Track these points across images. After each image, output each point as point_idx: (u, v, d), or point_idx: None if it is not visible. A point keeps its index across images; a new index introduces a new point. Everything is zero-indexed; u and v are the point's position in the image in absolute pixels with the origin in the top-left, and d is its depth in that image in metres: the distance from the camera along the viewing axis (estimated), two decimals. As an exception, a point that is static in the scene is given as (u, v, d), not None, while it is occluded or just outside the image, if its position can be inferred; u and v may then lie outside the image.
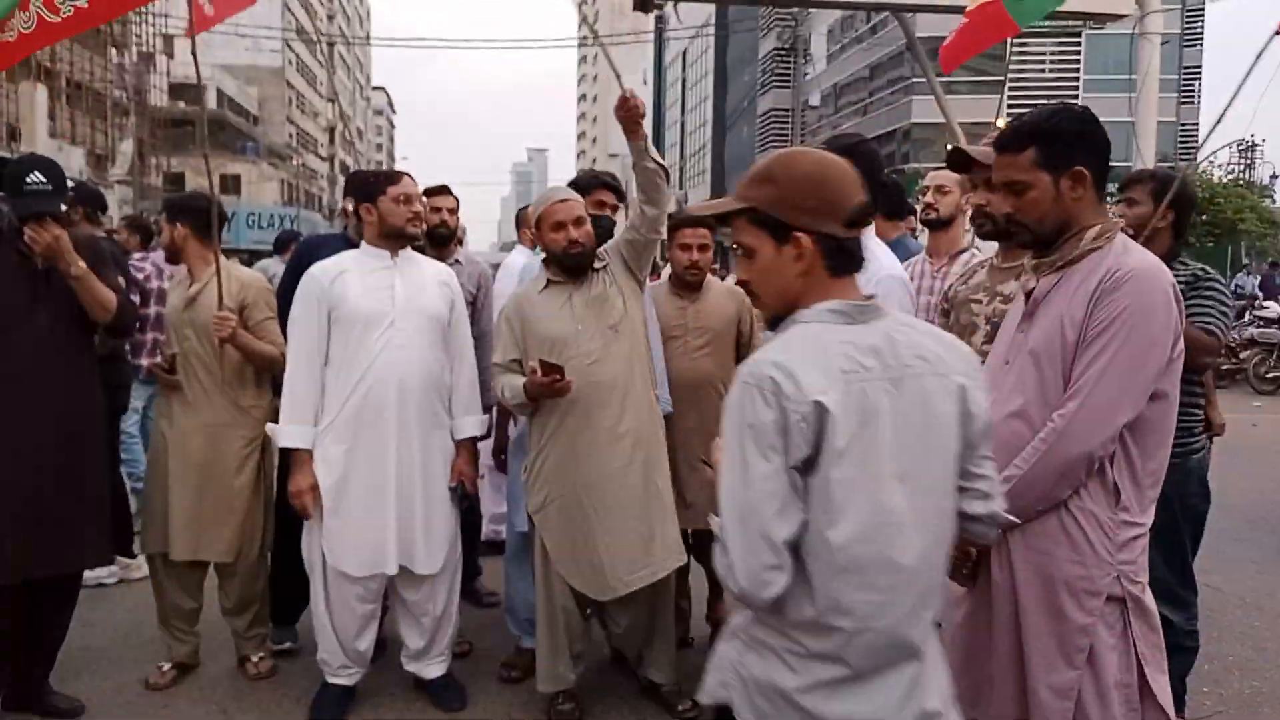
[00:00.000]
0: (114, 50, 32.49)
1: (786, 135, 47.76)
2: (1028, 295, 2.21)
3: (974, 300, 2.70)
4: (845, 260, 1.66)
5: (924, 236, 4.15)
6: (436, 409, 3.46)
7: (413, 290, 3.43)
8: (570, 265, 3.35)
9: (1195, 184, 16.27)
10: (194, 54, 3.92)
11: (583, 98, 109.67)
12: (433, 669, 3.59)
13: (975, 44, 5.29)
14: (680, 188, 69.33)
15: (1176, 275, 3.10)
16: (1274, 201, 36.23)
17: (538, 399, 3.24)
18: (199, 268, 3.78)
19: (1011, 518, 1.97)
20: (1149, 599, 2.10)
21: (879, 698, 1.60)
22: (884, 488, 1.56)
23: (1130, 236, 3.08)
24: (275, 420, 3.46)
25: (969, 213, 4.24)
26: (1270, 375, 13.44)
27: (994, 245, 2.83)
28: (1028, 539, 2.08)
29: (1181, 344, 2.08)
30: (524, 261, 4.71)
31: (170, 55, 38.24)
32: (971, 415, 1.67)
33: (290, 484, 3.36)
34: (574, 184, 3.81)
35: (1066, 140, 2.12)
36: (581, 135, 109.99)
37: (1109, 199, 3.10)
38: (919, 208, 4.00)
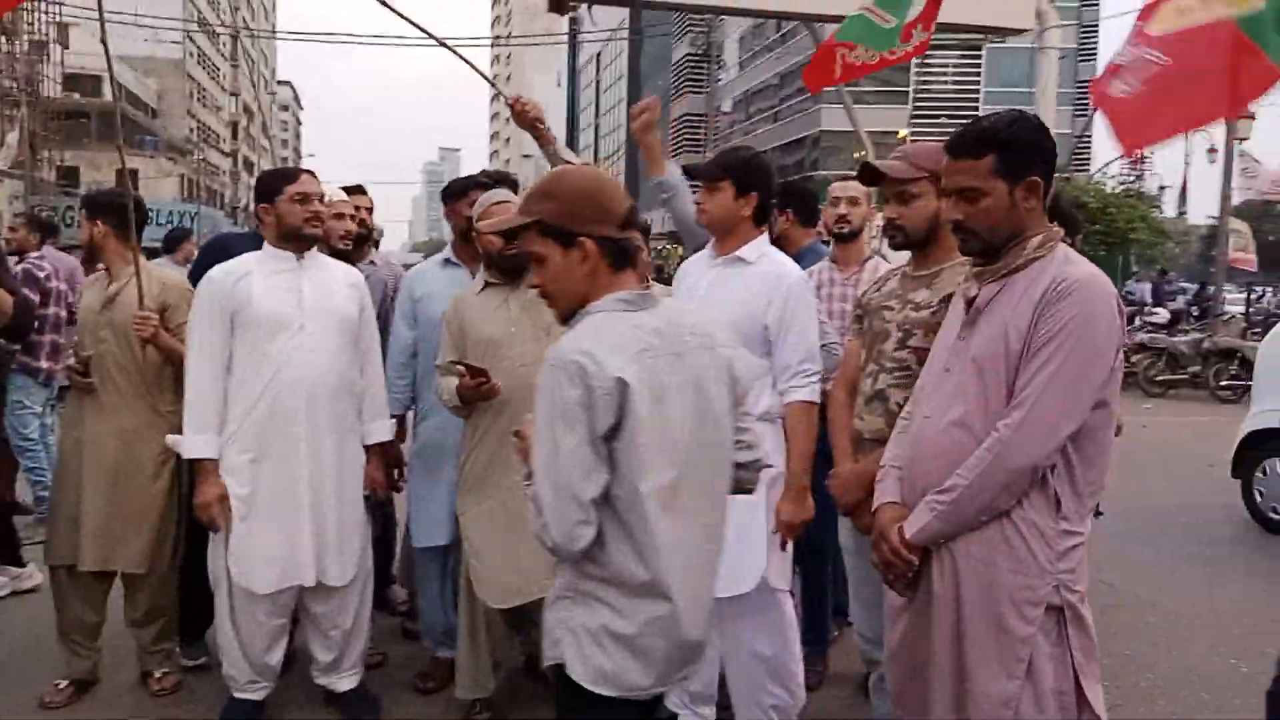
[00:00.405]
0: (3, 38, 31.02)
1: (700, 140, 48.20)
2: (969, 303, 2.20)
3: (886, 307, 2.73)
4: (623, 257, 1.95)
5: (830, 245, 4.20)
6: (348, 415, 3.38)
7: (321, 293, 3.33)
8: (507, 267, 3.34)
9: (1088, 195, 16.94)
10: (104, 42, 3.75)
11: (495, 97, 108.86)
12: (344, 682, 3.50)
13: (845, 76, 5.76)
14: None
15: None
16: (1162, 212, 38.00)
17: (468, 402, 3.23)
18: (118, 267, 3.64)
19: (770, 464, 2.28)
20: (1085, 607, 2.11)
21: (688, 623, 1.90)
22: (677, 444, 1.88)
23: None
24: None
25: (874, 222, 4.35)
26: (1159, 378, 14.05)
27: (904, 255, 2.87)
28: (970, 549, 2.08)
29: (1122, 354, 2.10)
30: None
31: (65, 45, 36.69)
32: (737, 379, 2.02)
33: (196, 496, 3.23)
34: (447, 188, 3.84)
35: (1024, 149, 2.12)
36: (495, 135, 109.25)
37: None
38: (831, 219, 4.05)
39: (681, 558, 1.88)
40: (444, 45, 3.87)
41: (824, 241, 4.37)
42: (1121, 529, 6.37)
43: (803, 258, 3.97)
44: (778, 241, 4.04)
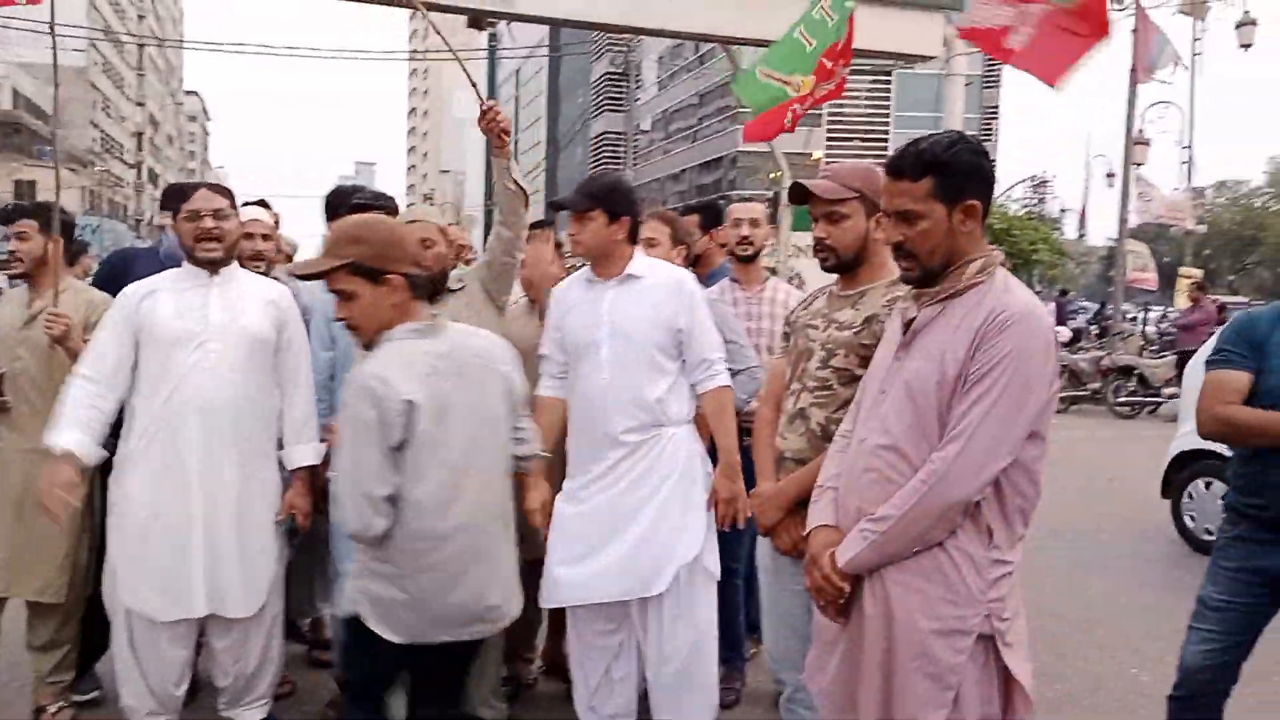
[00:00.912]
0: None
1: (620, 157, 48.44)
2: (907, 325, 2.19)
3: (811, 326, 2.74)
4: (421, 290, 2.41)
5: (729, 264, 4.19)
6: (257, 437, 3.22)
7: (231, 310, 3.21)
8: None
9: (993, 217, 17.48)
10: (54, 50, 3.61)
11: (412, 112, 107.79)
12: (251, 714, 3.35)
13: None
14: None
15: None
16: (1063, 233, 39.45)
17: None
18: (48, 284, 3.45)
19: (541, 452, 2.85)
20: (1013, 631, 2.11)
21: (465, 593, 2.43)
22: (455, 455, 2.36)
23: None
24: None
25: (774, 243, 4.42)
26: (1061, 395, 14.54)
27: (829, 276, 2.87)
28: (903, 577, 2.07)
29: (1057, 385, 2.10)
30: None
31: (-44, 49, 35.18)
32: (513, 391, 2.58)
33: (44, 477, 3.00)
34: (329, 204, 3.81)
35: (963, 172, 2.09)
36: (411, 149, 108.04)
37: None
38: (733, 240, 4.03)
39: (463, 539, 2.41)
40: (455, 54, 3.71)
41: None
42: (1029, 542, 6.49)
43: (711, 277, 4.02)
44: (698, 260, 4.09)
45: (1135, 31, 17.35)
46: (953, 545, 2.05)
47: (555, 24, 17.28)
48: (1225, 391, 2.81)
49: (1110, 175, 22.40)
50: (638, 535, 3.04)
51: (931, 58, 15.08)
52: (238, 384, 3.16)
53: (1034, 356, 2.01)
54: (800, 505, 2.49)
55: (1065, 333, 17.38)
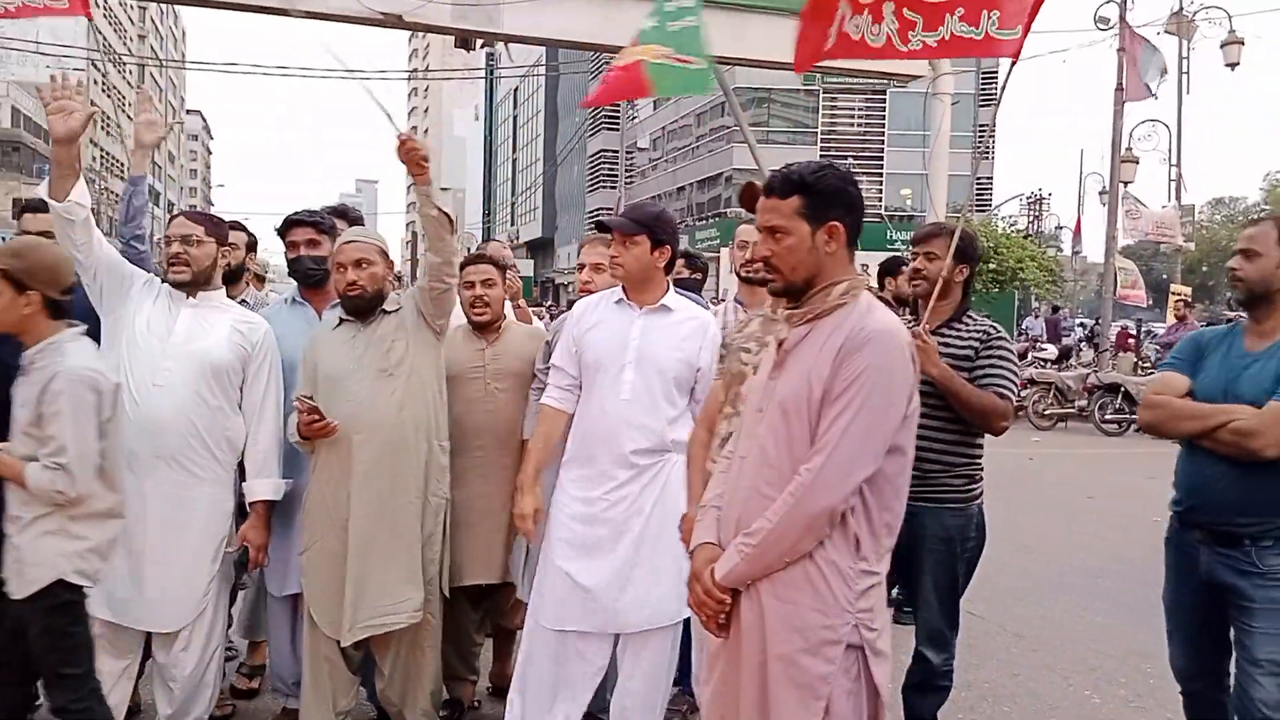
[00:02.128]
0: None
1: (615, 175, 48.62)
2: (779, 344, 2.28)
3: (744, 349, 2.81)
4: (58, 311, 2.78)
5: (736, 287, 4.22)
6: (204, 461, 3.24)
7: (194, 333, 3.27)
8: (348, 307, 3.35)
9: (980, 235, 17.55)
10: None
11: (413, 129, 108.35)
12: (190, 734, 3.37)
13: (611, 96, 5.74)
14: (513, 224, 69.22)
15: (967, 330, 3.28)
16: (1061, 250, 39.46)
17: (307, 438, 3.26)
18: None
19: None
20: (881, 640, 2.16)
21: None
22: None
23: (928, 290, 3.28)
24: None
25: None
26: (1048, 412, 14.53)
27: None
28: (776, 589, 2.13)
29: (917, 400, 2.18)
30: None
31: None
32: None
33: None
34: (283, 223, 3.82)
35: (829, 195, 2.21)
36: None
37: (909, 253, 3.29)
38: (739, 261, 4.06)
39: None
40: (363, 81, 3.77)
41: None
42: (998, 559, 6.53)
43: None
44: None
45: (1122, 51, 17.48)
46: (820, 556, 2.11)
47: (539, 44, 17.38)
48: (1163, 387, 3.01)
49: (1103, 193, 22.44)
50: (634, 564, 3.13)
51: (916, 77, 15.21)
52: (185, 405, 3.20)
53: (893, 373, 2.10)
54: None
55: (1052, 350, 17.40)
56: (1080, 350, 19.23)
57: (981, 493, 3.38)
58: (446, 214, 3.26)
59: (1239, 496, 2.81)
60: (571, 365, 3.28)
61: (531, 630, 3.23)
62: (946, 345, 3.24)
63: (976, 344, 3.25)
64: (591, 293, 3.61)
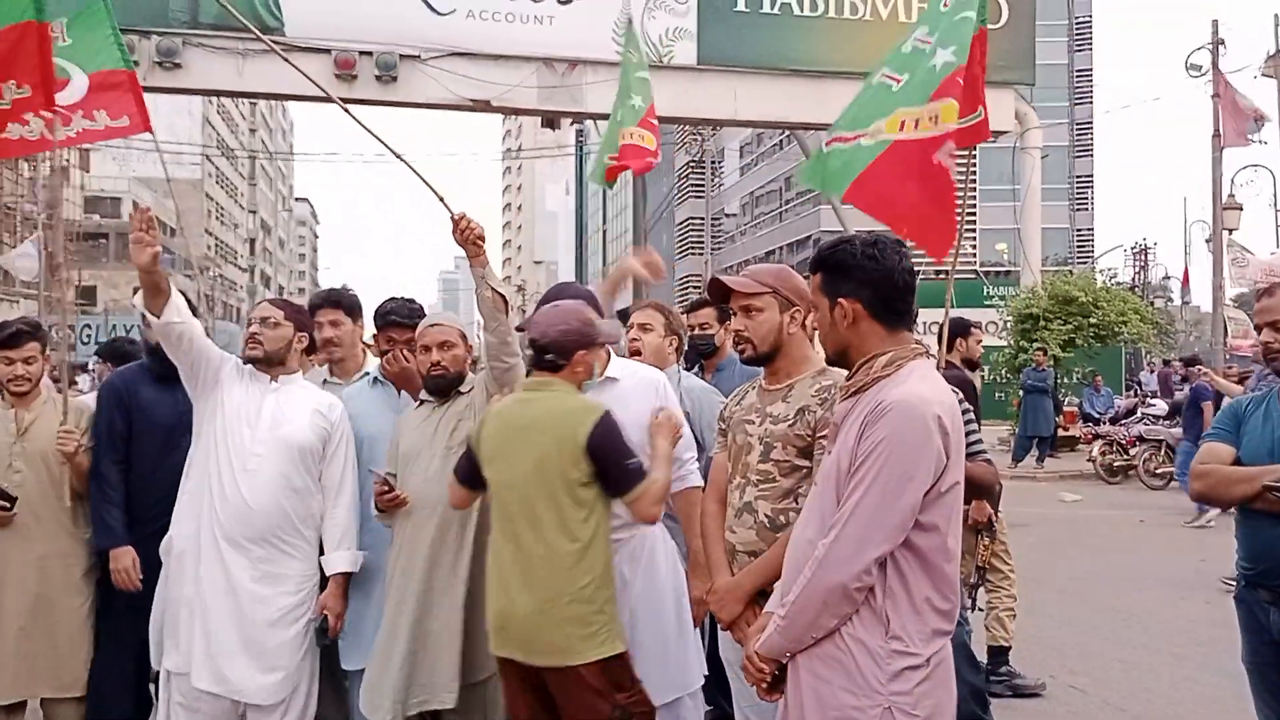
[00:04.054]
0: (27, 164, 32.14)
1: (704, 242, 49.05)
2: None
3: (747, 421, 2.83)
4: None
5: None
6: (285, 537, 3.40)
7: (279, 418, 3.44)
8: (431, 387, 3.48)
9: (1077, 288, 17.04)
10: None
11: (507, 206, 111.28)
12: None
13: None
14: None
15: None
16: (1171, 301, 38.01)
17: (383, 510, 3.39)
18: (38, 398, 3.78)
19: None
20: None
21: None
22: None
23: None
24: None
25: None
26: (1160, 471, 13.86)
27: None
28: (813, 665, 2.12)
29: (956, 475, 2.10)
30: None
31: (85, 169, 37.98)
32: None
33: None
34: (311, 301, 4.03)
35: (840, 270, 2.25)
36: (507, 243, 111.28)
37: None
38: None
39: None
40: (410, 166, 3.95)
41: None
42: (1101, 628, 6.28)
43: (720, 370, 4.13)
44: (717, 352, 4.21)
45: (1217, 97, 17.05)
46: (847, 633, 2.09)
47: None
48: (1209, 457, 3.02)
49: (1209, 240, 21.70)
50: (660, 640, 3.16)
51: (1003, 132, 15.09)
52: (273, 486, 3.37)
53: (907, 446, 2.05)
54: (760, 596, 2.54)
55: (1162, 406, 16.69)
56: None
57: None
58: (501, 294, 3.33)
59: None
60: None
61: None
62: None
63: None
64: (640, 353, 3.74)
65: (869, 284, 2.23)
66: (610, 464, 2.84)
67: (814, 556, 2.10)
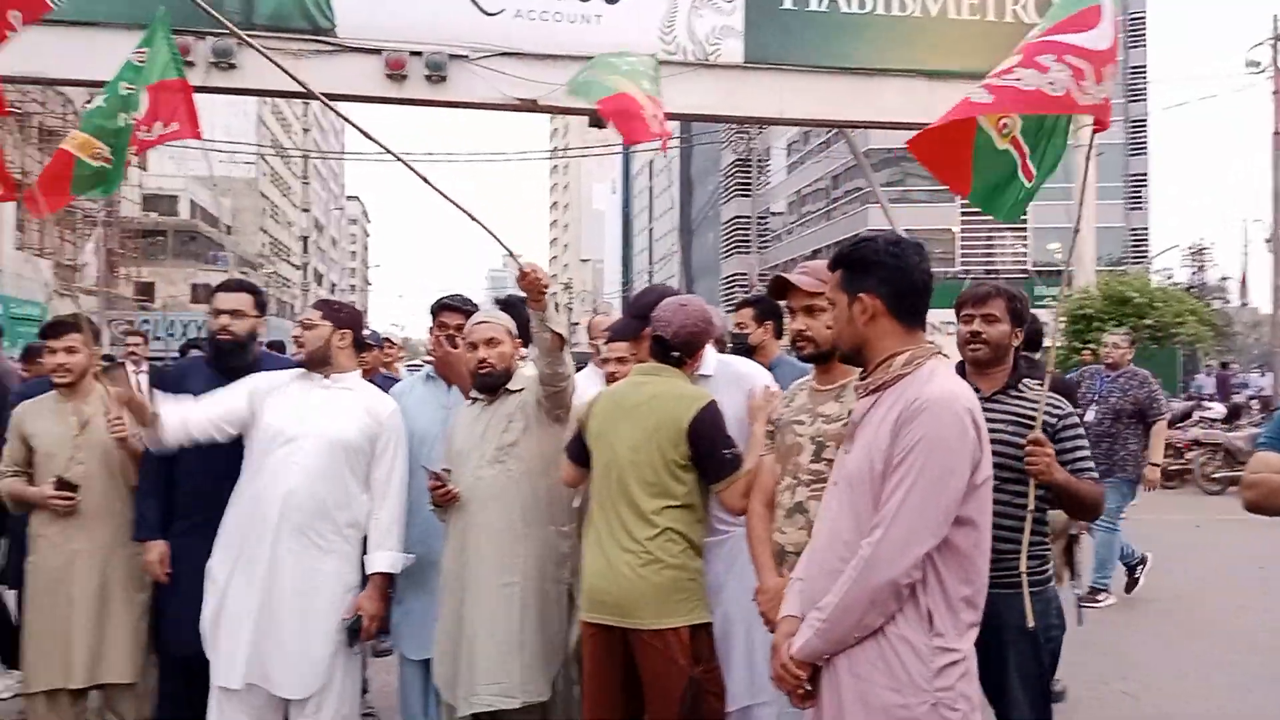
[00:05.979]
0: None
1: (749, 240, 48.90)
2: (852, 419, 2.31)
3: (797, 421, 2.82)
4: None
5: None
6: (326, 534, 3.43)
7: (327, 413, 3.49)
8: (479, 384, 3.51)
9: (1132, 289, 16.70)
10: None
11: (554, 205, 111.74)
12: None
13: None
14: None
15: (1026, 400, 3.01)
16: (1229, 302, 37.15)
17: (437, 505, 3.45)
18: (85, 391, 3.87)
19: None
20: None
21: None
22: None
23: (989, 356, 3.13)
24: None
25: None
26: (1217, 475, 13.54)
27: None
28: (851, 666, 2.12)
29: (987, 470, 2.12)
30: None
31: (143, 168, 38.78)
32: None
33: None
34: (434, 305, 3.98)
35: (862, 267, 2.26)
36: (554, 241, 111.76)
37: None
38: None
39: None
40: (471, 216, 3.85)
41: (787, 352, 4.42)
42: (1156, 634, 6.16)
43: (775, 367, 4.07)
44: (756, 350, 4.19)
45: (1278, 93, 16.62)
46: (892, 632, 2.08)
47: (670, 119, 17.78)
48: (1260, 466, 2.86)
49: (1269, 240, 21.15)
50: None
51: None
52: (314, 481, 3.42)
53: (946, 442, 2.08)
54: None
55: (1219, 409, 16.31)
56: (1251, 409, 17.97)
57: (1054, 575, 3.17)
58: (559, 335, 3.30)
59: None
60: None
61: None
62: (1004, 414, 3.02)
63: (1050, 418, 3.02)
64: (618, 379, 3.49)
65: (890, 281, 2.25)
66: (707, 450, 2.99)
67: (859, 556, 2.09)
